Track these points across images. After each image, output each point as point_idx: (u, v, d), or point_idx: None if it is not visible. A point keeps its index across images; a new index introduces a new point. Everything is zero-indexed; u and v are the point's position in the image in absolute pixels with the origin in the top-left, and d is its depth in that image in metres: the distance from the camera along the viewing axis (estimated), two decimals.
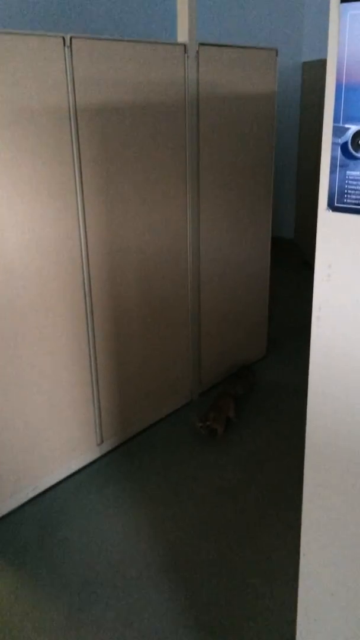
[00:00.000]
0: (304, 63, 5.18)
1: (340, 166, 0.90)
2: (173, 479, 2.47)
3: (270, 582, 1.95)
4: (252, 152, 3.00)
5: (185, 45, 2.46)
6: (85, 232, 2.25)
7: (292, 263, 5.15)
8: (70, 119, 2.09)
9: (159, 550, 2.10)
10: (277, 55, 2.95)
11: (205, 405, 2.99)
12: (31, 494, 2.35)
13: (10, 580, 1.99)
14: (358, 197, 0.89)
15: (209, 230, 2.87)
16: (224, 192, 2.90)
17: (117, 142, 2.29)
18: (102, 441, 2.60)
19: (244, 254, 3.14)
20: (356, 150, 0.88)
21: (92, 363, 2.44)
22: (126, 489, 2.42)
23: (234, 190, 2.96)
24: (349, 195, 0.90)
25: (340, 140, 0.89)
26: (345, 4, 0.83)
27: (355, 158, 0.88)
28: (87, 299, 2.34)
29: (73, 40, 2.03)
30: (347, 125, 0.89)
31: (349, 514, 1.04)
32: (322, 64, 4.47)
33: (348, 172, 0.90)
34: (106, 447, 2.64)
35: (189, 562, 2.04)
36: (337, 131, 0.90)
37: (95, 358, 2.44)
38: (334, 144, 0.90)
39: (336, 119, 0.90)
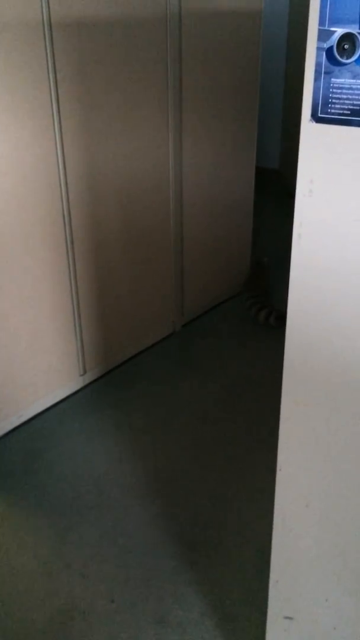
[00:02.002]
0: None
1: (325, 73, 0.86)
2: (156, 407, 2.51)
3: (250, 501, 2.03)
4: (237, 76, 2.88)
5: None
6: (63, 155, 2.17)
7: (276, 193, 5.07)
8: (44, 33, 1.98)
9: (142, 473, 2.16)
10: None
11: (190, 334, 3.00)
12: (16, 422, 2.37)
13: None
14: (343, 106, 0.85)
15: (192, 157, 2.79)
16: (207, 117, 2.80)
17: (95, 60, 2.18)
18: (85, 371, 2.62)
19: (227, 182, 3.08)
20: (342, 56, 0.84)
21: (74, 293, 2.42)
22: (110, 417, 2.46)
23: (218, 115, 2.86)
24: (333, 105, 0.86)
25: (326, 45, 0.85)
26: None
27: (341, 64, 0.84)
28: (67, 227, 2.29)
29: None
30: (332, 28, 0.84)
31: (323, 430, 1.06)
32: None
33: (333, 80, 0.85)
34: (89, 377, 2.66)
35: (171, 483, 2.11)
36: (322, 35, 0.85)
37: (77, 288, 2.42)
38: (318, 48, 0.85)
39: (321, 22, 0.85)
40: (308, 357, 1.01)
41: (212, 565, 1.81)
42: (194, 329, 3.10)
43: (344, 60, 0.84)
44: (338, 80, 0.85)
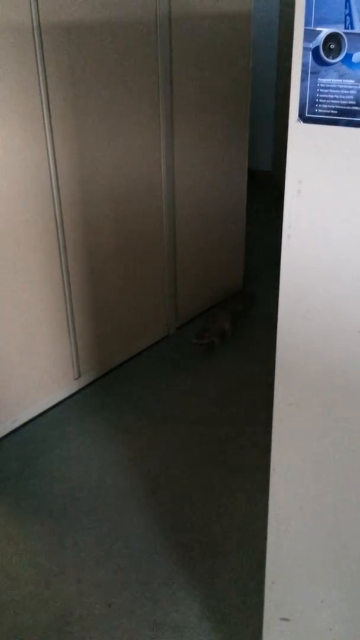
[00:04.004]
0: None
1: (311, 73, 0.86)
2: (151, 410, 2.50)
3: (245, 503, 2.02)
4: (228, 78, 2.88)
5: None
6: (55, 159, 2.17)
7: (269, 195, 5.09)
8: (34, 37, 1.98)
9: (137, 477, 2.15)
10: None
11: (184, 337, 3.00)
12: (10, 428, 2.36)
13: None
14: (330, 106, 0.86)
15: (183, 160, 2.79)
16: (199, 120, 2.81)
17: (85, 65, 2.18)
18: (79, 375, 2.61)
19: (219, 185, 3.08)
20: (328, 56, 0.84)
21: (67, 296, 2.41)
22: (104, 421, 2.45)
23: (209, 118, 2.86)
24: (320, 105, 0.86)
25: (312, 45, 0.85)
26: None
27: (327, 64, 0.84)
28: (59, 231, 2.28)
29: None
30: (318, 28, 0.84)
31: (316, 430, 1.06)
32: None
33: (319, 80, 0.85)
34: (84, 381, 2.65)
35: (166, 488, 2.10)
36: (308, 35, 0.85)
37: (70, 291, 2.42)
38: (304, 49, 0.85)
39: (307, 22, 0.85)
40: (300, 358, 1.01)
41: (208, 568, 1.80)
42: (188, 331, 3.09)
43: (330, 60, 0.84)
44: (325, 80, 0.85)
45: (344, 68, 0.83)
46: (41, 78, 2.03)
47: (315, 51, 0.85)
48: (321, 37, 0.84)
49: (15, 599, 1.73)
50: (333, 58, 0.84)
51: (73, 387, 2.61)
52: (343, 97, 0.84)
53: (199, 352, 2.71)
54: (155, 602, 1.71)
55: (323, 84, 0.85)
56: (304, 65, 0.86)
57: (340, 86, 0.84)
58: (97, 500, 2.05)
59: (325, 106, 0.86)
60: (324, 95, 0.86)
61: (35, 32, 1.97)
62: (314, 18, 0.84)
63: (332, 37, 0.83)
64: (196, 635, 1.61)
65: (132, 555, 1.85)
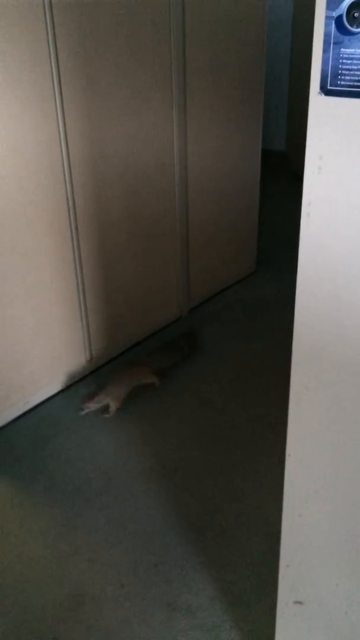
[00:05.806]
0: None
1: (334, 43, 0.82)
2: (162, 393, 2.50)
3: (258, 486, 2.01)
4: (242, 55, 2.82)
5: None
6: (66, 139, 2.14)
7: (283, 176, 5.02)
8: (45, 13, 1.93)
9: (149, 459, 2.15)
10: None
11: (196, 320, 2.98)
12: (22, 409, 2.37)
13: (6, 490, 2.04)
14: (353, 77, 0.82)
15: (196, 140, 2.74)
16: (212, 99, 2.76)
17: (96, 42, 2.13)
18: (91, 357, 2.60)
19: (233, 165, 3.03)
20: (351, 25, 0.80)
21: (79, 278, 2.39)
22: None
23: (223, 97, 2.81)
24: (343, 77, 0.83)
25: (335, 14, 0.81)
26: None
27: (351, 33, 0.81)
28: (71, 211, 2.26)
29: None
30: None
31: (333, 414, 1.04)
32: None
33: (342, 50, 0.82)
34: (96, 363, 2.64)
35: (178, 469, 2.10)
36: (331, 3, 0.81)
37: (82, 273, 2.40)
38: (327, 17, 0.82)
39: None
40: (318, 340, 0.99)
41: (221, 550, 1.80)
42: (200, 313, 3.07)
43: (354, 29, 0.81)
44: (348, 51, 0.82)
45: None
46: (52, 55, 2.00)
47: (339, 20, 0.81)
48: (345, 4, 0.80)
49: (28, 578, 1.74)
50: (357, 27, 0.80)
51: (85, 369, 2.60)
52: None
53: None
54: (168, 583, 1.71)
55: (346, 54, 0.82)
56: (326, 35, 0.82)
57: None
58: (109, 482, 2.05)
59: (348, 78, 0.83)
60: (347, 67, 0.82)
61: (46, 8, 1.93)
62: None
63: (357, 5, 0.80)
64: (209, 616, 1.62)
65: (144, 537, 1.85)
